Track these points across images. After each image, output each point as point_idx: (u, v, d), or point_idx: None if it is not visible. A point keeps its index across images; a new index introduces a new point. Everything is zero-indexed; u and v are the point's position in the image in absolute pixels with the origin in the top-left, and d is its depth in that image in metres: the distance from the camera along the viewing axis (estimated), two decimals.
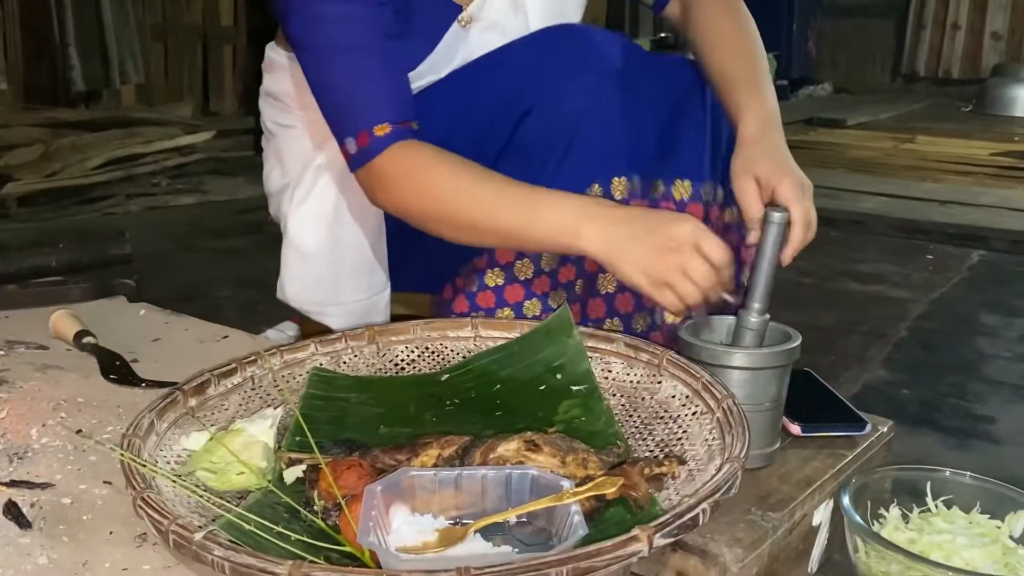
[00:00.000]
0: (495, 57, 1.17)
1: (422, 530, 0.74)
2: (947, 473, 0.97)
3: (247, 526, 0.72)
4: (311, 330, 1.30)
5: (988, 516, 0.93)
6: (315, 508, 0.78)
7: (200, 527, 0.68)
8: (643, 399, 0.96)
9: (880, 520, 0.94)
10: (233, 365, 0.99)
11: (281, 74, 1.30)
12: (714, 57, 1.17)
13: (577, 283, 1.16)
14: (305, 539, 0.72)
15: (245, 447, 0.85)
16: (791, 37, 6.65)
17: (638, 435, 0.93)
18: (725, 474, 0.74)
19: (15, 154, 3.47)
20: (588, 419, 0.94)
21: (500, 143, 1.13)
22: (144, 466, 0.78)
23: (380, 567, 0.69)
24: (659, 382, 0.96)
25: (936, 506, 0.95)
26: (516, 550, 0.72)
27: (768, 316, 0.98)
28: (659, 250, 0.93)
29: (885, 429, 1.07)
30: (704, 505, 0.69)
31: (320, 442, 0.84)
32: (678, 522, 0.67)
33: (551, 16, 1.22)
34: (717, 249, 0.93)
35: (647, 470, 0.80)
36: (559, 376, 1.00)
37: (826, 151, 4.52)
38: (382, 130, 1.06)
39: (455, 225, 1.06)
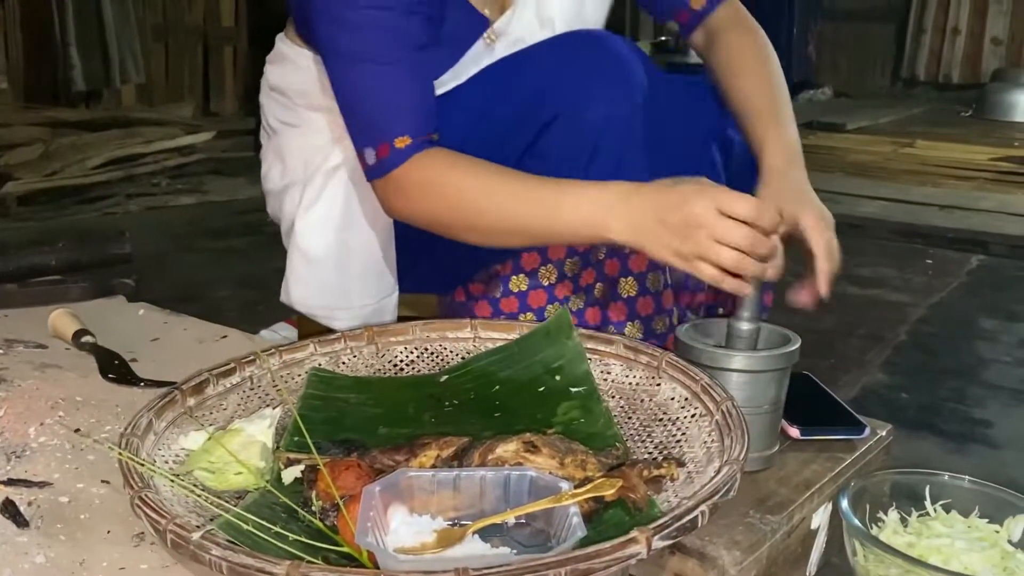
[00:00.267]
0: (515, 61, 1.16)
1: (420, 531, 0.73)
2: (946, 477, 0.96)
3: (245, 526, 0.72)
4: (309, 331, 1.30)
5: (987, 520, 0.93)
6: (313, 508, 0.78)
7: (198, 527, 0.68)
8: (642, 401, 0.96)
9: (879, 524, 0.94)
10: (232, 365, 0.99)
11: (288, 68, 1.29)
12: (737, 87, 1.19)
13: (597, 286, 1.16)
14: (303, 539, 0.72)
15: (243, 447, 0.85)
16: (791, 41, 6.65)
17: (637, 437, 0.93)
18: (724, 476, 0.74)
19: (15, 153, 3.47)
20: (587, 421, 0.94)
21: (520, 149, 1.12)
22: (142, 465, 0.78)
23: (378, 568, 0.69)
24: (658, 384, 0.96)
25: (935, 510, 0.95)
26: (514, 551, 0.72)
27: (759, 324, 0.98)
28: (684, 228, 0.90)
29: (884, 433, 1.07)
30: (703, 507, 0.69)
31: (318, 442, 0.84)
32: (677, 524, 0.67)
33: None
34: (741, 204, 0.88)
35: (646, 472, 0.80)
36: (558, 377, 1.00)
37: (826, 155, 4.52)
38: (402, 142, 1.06)
39: (478, 230, 1.06)
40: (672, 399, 0.94)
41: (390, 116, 1.07)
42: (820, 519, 0.96)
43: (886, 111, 6.16)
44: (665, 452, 0.88)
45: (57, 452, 0.98)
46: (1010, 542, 0.90)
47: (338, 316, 1.27)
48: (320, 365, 1.04)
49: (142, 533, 0.83)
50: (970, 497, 0.95)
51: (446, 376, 1.04)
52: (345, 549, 0.72)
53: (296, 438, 0.88)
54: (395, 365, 1.08)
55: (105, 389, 1.15)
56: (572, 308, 1.16)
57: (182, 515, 0.71)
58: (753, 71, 1.20)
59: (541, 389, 0.99)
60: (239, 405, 0.97)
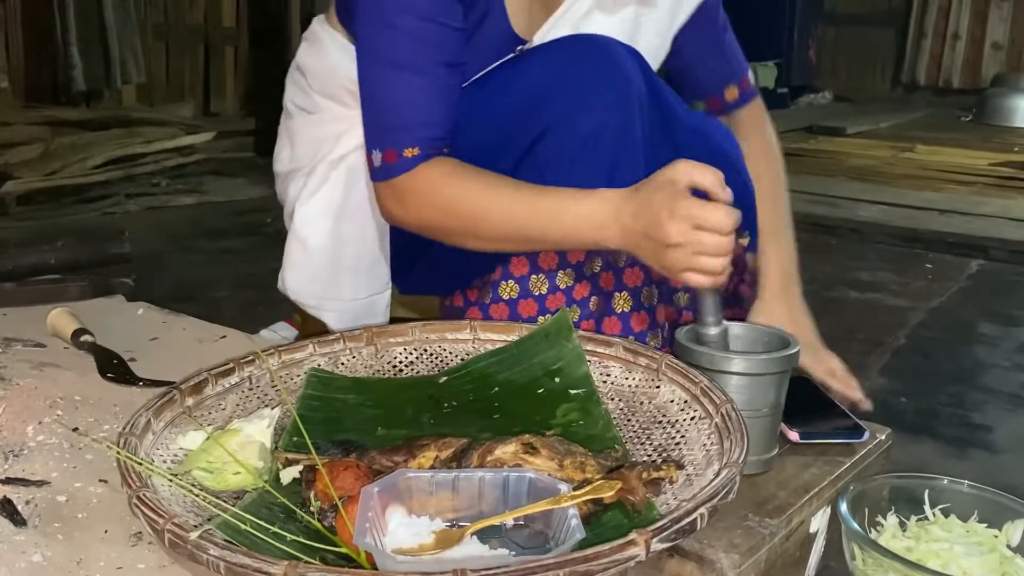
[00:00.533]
0: (512, 67, 1.16)
1: (418, 532, 0.73)
2: (945, 481, 0.96)
3: (243, 526, 0.72)
4: (310, 331, 1.30)
5: (986, 525, 0.92)
6: (311, 509, 0.78)
7: (196, 526, 0.68)
8: (641, 403, 0.96)
9: (877, 528, 0.94)
10: (231, 365, 0.99)
11: (315, 49, 1.29)
12: None
13: (592, 300, 1.16)
14: (301, 540, 0.72)
15: (242, 447, 0.85)
16: (792, 45, 6.66)
17: (636, 439, 0.92)
18: (723, 479, 0.74)
19: (15, 152, 3.47)
20: (586, 423, 0.93)
21: (515, 157, 1.13)
22: (140, 465, 0.78)
23: (376, 569, 0.69)
24: (658, 387, 0.96)
25: (934, 514, 0.95)
26: (513, 553, 0.72)
27: (724, 325, 0.98)
28: (666, 247, 0.94)
29: (883, 437, 1.07)
30: (702, 510, 0.69)
31: (317, 443, 0.84)
32: (676, 527, 0.67)
33: None
34: (715, 216, 0.92)
35: (645, 474, 0.80)
36: (557, 380, 0.99)
37: (826, 159, 4.53)
38: (411, 152, 1.08)
39: (475, 237, 1.09)
40: (671, 402, 0.94)
41: (407, 125, 1.08)
42: (819, 523, 0.96)
43: (886, 115, 6.17)
44: (664, 455, 0.88)
45: (55, 451, 0.98)
46: (1009, 547, 0.90)
47: (327, 307, 1.28)
48: (319, 365, 1.04)
49: (140, 532, 0.82)
50: (969, 502, 0.94)
51: (445, 377, 1.04)
52: (343, 550, 0.72)
53: (295, 438, 0.88)
54: (394, 366, 1.07)
55: (104, 388, 1.15)
56: None
57: (180, 515, 0.71)
58: (762, 180, 1.27)
59: (540, 391, 0.99)
60: (238, 405, 0.97)
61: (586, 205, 1.01)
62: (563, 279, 1.16)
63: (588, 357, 1.01)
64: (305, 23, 4.09)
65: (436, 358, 1.08)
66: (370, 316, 1.29)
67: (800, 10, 6.68)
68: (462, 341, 1.08)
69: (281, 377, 1.02)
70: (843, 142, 5.18)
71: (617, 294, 1.15)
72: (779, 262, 1.25)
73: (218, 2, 5.20)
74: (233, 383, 0.98)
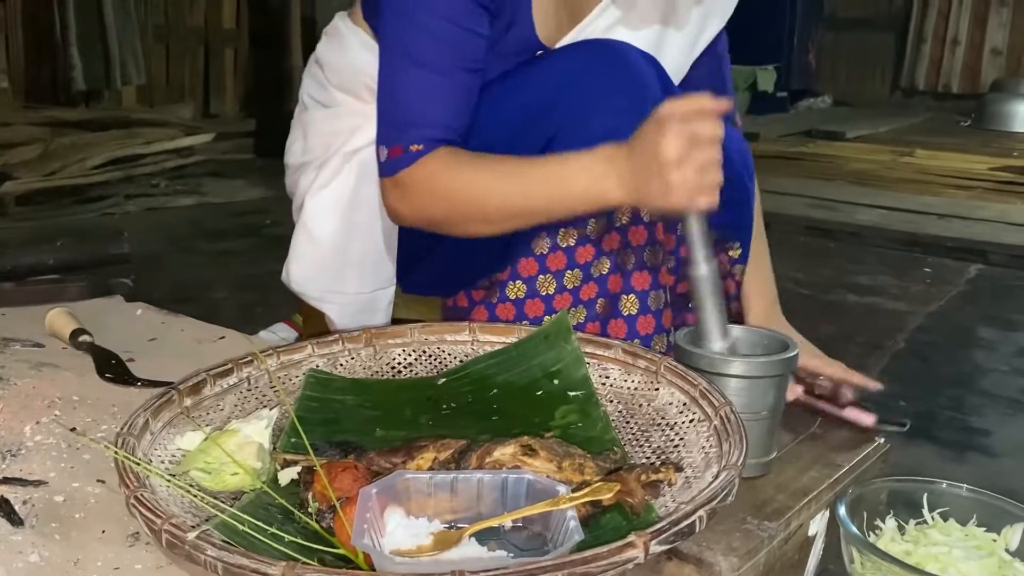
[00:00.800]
0: (528, 68, 1.16)
1: (417, 533, 0.73)
2: (944, 485, 0.96)
3: (241, 527, 0.72)
4: (309, 333, 1.30)
5: (984, 529, 0.92)
6: (309, 510, 0.78)
7: (193, 527, 0.68)
8: (640, 406, 0.96)
9: (876, 531, 0.94)
10: (229, 365, 0.98)
11: (335, 43, 1.29)
12: None
13: (599, 302, 1.16)
14: (299, 541, 0.72)
15: (240, 448, 0.85)
16: (792, 49, 6.67)
17: (635, 442, 0.92)
18: (722, 482, 0.73)
19: (15, 152, 3.47)
20: (585, 425, 0.93)
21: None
22: (138, 465, 0.78)
23: (374, 570, 0.68)
24: (657, 389, 0.96)
25: (932, 518, 0.94)
26: (511, 555, 0.72)
27: (731, 340, 0.98)
28: (668, 168, 0.93)
29: (882, 440, 1.07)
30: (701, 512, 0.69)
31: (315, 444, 0.84)
32: (674, 529, 0.67)
33: None
34: (704, 125, 0.92)
35: (644, 476, 0.80)
36: (556, 381, 0.99)
37: (825, 163, 4.53)
38: (416, 148, 1.08)
39: (484, 219, 1.08)
40: (670, 404, 0.94)
41: (418, 123, 1.09)
42: (817, 526, 0.96)
43: (886, 120, 6.18)
44: (663, 457, 0.88)
45: (53, 451, 0.98)
46: (1007, 551, 0.90)
47: (330, 299, 1.28)
48: (318, 366, 1.04)
49: (137, 533, 0.82)
50: (968, 505, 0.94)
51: (444, 379, 1.04)
52: (341, 551, 0.72)
53: (293, 439, 0.88)
54: (393, 367, 1.07)
55: (102, 388, 1.15)
56: (572, 322, 1.16)
57: (178, 515, 0.71)
58: None
59: (539, 393, 0.99)
60: (236, 406, 0.97)
61: (584, 160, 1.02)
62: (570, 279, 1.16)
63: (587, 359, 1.01)
64: (305, 25, 4.13)
65: (435, 359, 1.08)
66: (372, 311, 1.28)
67: (800, 14, 6.69)
68: (461, 343, 1.08)
69: (279, 378, 1.02)
70: (842, 146, 5.19)
71: (624, 296, 1.15)
72: (764, 300, 1.31)
73: (218, 4, 5.21)
74: (231, 384, 0.98)
